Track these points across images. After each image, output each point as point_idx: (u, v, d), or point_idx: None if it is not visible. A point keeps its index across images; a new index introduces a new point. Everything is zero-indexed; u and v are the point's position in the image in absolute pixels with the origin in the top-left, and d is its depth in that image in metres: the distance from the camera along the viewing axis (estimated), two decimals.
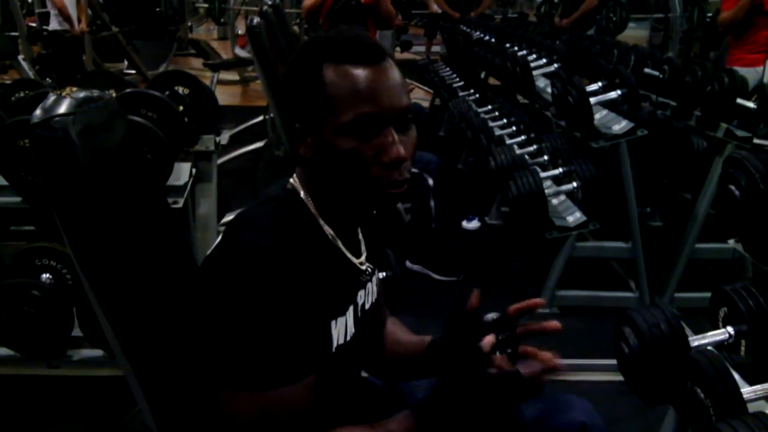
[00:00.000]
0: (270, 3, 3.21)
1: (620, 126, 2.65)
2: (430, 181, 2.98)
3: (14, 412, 2.03)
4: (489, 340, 1.01)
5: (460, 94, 4.29)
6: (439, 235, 3.11)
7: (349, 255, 1.02)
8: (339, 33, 0.95)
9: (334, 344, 0.97)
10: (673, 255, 2.79)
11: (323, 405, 0.95)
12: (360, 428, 0.96)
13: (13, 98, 2.28)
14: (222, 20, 8.50)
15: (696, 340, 1.34)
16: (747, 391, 1.20)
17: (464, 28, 5.45)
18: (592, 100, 2.67)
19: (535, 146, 2.98)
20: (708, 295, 1.44)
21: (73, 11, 6.31)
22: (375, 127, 0.91)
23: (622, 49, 3.74)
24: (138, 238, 0.99)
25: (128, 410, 1.69)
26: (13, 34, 5.97)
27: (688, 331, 1.35)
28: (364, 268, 1.06)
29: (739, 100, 2.61)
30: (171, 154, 1.83)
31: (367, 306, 1.08)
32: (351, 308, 1.02)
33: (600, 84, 2.88)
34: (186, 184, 1.95)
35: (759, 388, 1.21)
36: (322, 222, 0.99)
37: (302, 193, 0.99)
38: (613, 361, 1.42)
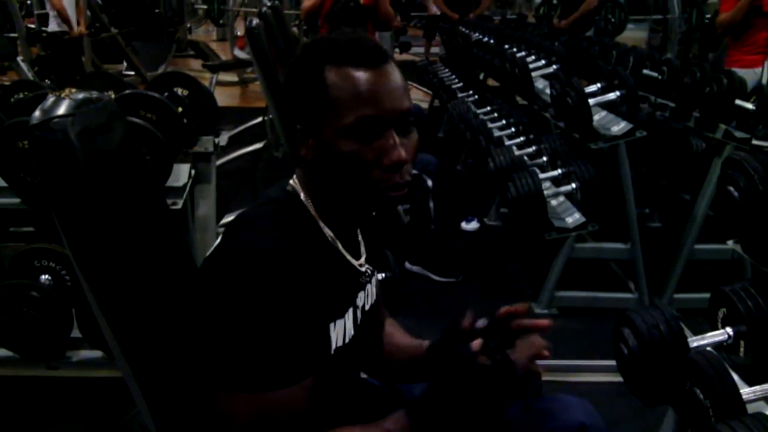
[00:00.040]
0: (269, 4, 3.22)
1: (619, 127, 2.66)
2: (429, 183, 2.98)
3: (13, 414, 2.03)
4: (478, 342, 1.01)
5: (459, 95, 4.29)
6: (438, 236, 3.11)
7: (348, 257, 1.02)
8: (341, 35, 0.95)
9: (333, 346, 0.97)
10: (672, 256, 2.79)
11: (322, 407, 0.95)
12: (356, 428, 0.96)
13: (12, 99, 2.28)
14: (221, 21, 8.49)
15: (695, 341, 1.34)
16: (746, 391, 1.20)
17: (463, 29, 5.45)
18: (591, 101, 2.67)
19: (534, 147, 2.98)
20: (707, 296, 1.44)
21: (72, 13, 6.30)
22: (376, 130, 0.91)
23: (620, 51, 3.75)
24: (137, 240, 0.99)
25: (127, 411, 1.68)
26: (12, 35, 5.97)
27: (687, 332, 1.35)
28: (363, 269, 1.06)
29: (738, 102, 2.61)
30: (170, 155, 1.83)
31: (366, 307, 1.08)
32: (350, 310, 1.02)
33: (599, 85, 2.88)
34: (185, 185, 1.95)
35: (758, 389, 1.21)
36: (321, 224, 0.99)
37: (302, 195, 0.99)
38: (613, 362, 1.42)
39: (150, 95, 1.91)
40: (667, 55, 3.96)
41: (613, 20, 5.97)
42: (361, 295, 1.06)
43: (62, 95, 0.91)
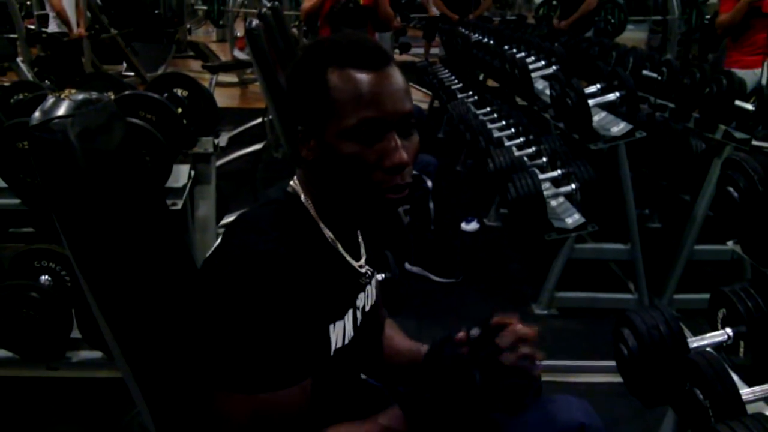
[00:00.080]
0: (269, 5, 3.22)
1: (619, 128, 2.66)
2: (429, 183, 2.98)
3: (13, 414, 2.03)
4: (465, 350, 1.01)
5: (459, 96, 4.29)
6: (438, 236, 3.11)
7: (348, 258, 1.03)
8: (343, 37, 0.95)
9: (333, 348, 0.97)
10: (671, 256, 2.79)
11: (322, 407, 0.95)
12: (351, 425, 0.97)
13: (11, 100, 2.28)
14: (221, 22, 8.49)
15: (695, 342, 1.34)
16: (746, 392, 1.20)
17: (463, 30, 5.45)
18: (591, 102, 2.67)
19: (533, 148, 2.98)
20: (707, 296, 1.44)
21: (71, 14, 6.30)
22: (378, 132, 0.91)
23: (620, 51, 3.75)
24: (137, 240, 0.99)
25: (127, 412, 1.68)
26: (12, 36, 5.97)
27: (687, 332, 1.36)
28: (363, 270, 1.06)
29: (738, 102, 2.61)
30: (170, 156, 1.83)
31: (366, 309, 1.08)
32: (350, 312, 1.02)
33: (598, 86, 2.88)
34: (185, 186, 1.95)
35: (758, 390, 1.21)
36: (322, 225, 0.99)
37: (302, 196, 0.99)
38: (612, 363, 1.43)
39: (150, 96, 1.91)
40: (667, 56, 3.97)
41: (612, 21, 5.97)
42: (361, 296, 1.06)
43: (62, 96, 0.91)
